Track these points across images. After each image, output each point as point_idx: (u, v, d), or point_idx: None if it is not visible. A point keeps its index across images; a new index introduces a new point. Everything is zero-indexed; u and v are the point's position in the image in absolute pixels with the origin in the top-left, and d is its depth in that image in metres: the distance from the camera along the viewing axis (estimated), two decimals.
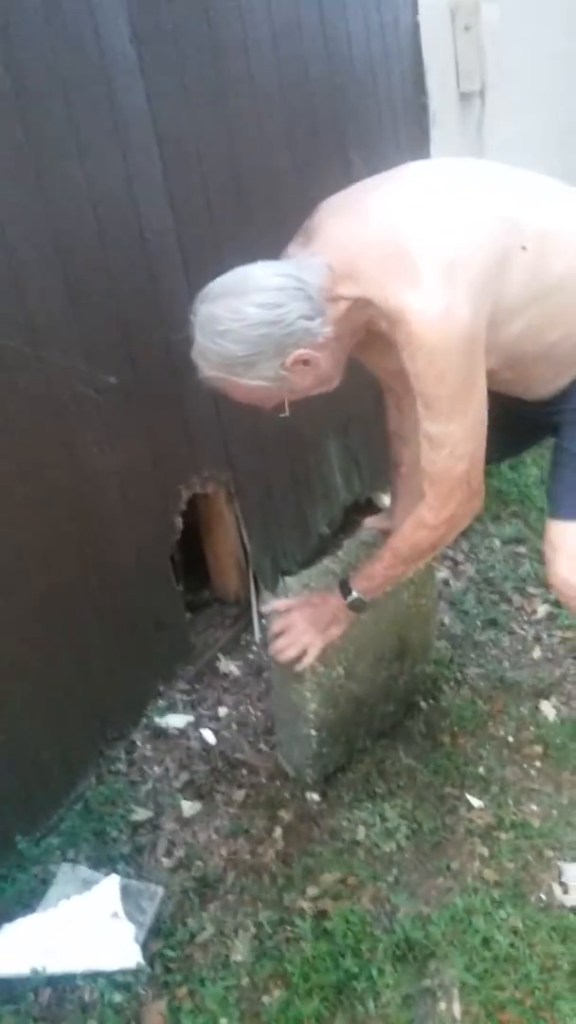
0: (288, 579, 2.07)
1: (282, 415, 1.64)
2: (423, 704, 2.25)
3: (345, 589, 1.85)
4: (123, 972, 1.68)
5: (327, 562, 2.07)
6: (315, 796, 2.04)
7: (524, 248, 1.59)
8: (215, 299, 1.52)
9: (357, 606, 1.84)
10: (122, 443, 2.18)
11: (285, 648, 1.87)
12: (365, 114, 2.97)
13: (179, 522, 2.41)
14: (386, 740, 2.15)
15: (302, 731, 2.01)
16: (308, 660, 1.86)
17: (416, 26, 3.22)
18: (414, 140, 3.33)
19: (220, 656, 2.54)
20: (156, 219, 2.19)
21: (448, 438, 1.59)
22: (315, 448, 2.90)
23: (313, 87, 2.70)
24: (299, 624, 1.87)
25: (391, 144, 3.13)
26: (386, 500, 3.14)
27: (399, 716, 2.21)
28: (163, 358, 2.23)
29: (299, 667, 1.88)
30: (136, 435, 2.22)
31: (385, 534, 2.03)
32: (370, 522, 2.20)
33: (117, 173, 2.08)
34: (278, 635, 1.89)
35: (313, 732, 1.99)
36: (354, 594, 1.83)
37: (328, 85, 2.76)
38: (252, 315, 1.49)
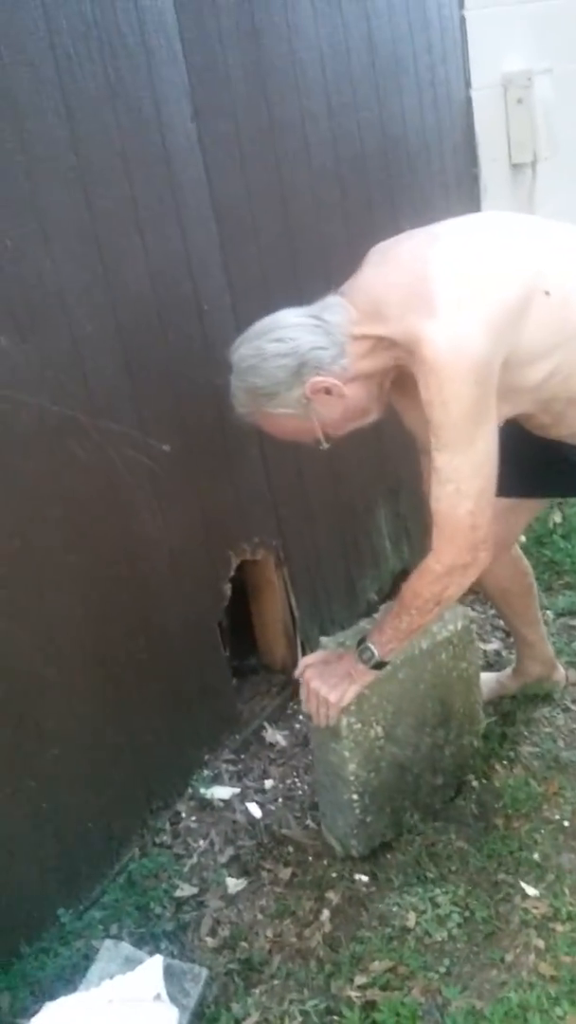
0: (324, 639, 2.07)
1: (322, 447, 1.75)
2: (475, 783, 2.18)
3: (360, 644, 1.83)
4: None
5: (364, 623, 2.06)
6: (363, 878, 1.98)
7: (548, 293, 1.64)
8: (243, 343, 1.70)
9: (367, 658, 1.81)
10: (173, 510, 2.18)
11: (308, 707, 1.88)
12: (418, 187, 3.02)
13: (227, 588, 2.40)
14: (437, 821, 2.09)
15: (343, 796, 1.96)
16: (332, 715, 1.85)
17: (469, 100, 3.28)
18: (466, 211, 3.35)
19: (267, 725, 2.50)
20: (213, 292, 2.23)
21: (454, 472, 1.61)
22: (364, 514, 2.88)
23: (367, 161, 2.75)
24: (313, 681, 1.87)
25: (443, 215, 3.15)
26: None
27: (449, 793, 2.15)
28: (215, 427, 2.25)
29: (323, 723, 1.87)
30: (187, 502, 2.23)
31: None
32: None
33: (175, 247, 2.13)
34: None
35: (355, 797, 1.95)
36: (367, 644, 1.81)
37: (382, 159, 2.81)
38: (269, 349, 1.65)
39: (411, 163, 2.95)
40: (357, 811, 1.96)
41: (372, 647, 1.81)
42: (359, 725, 1.91)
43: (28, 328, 1.80)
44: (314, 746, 2.08)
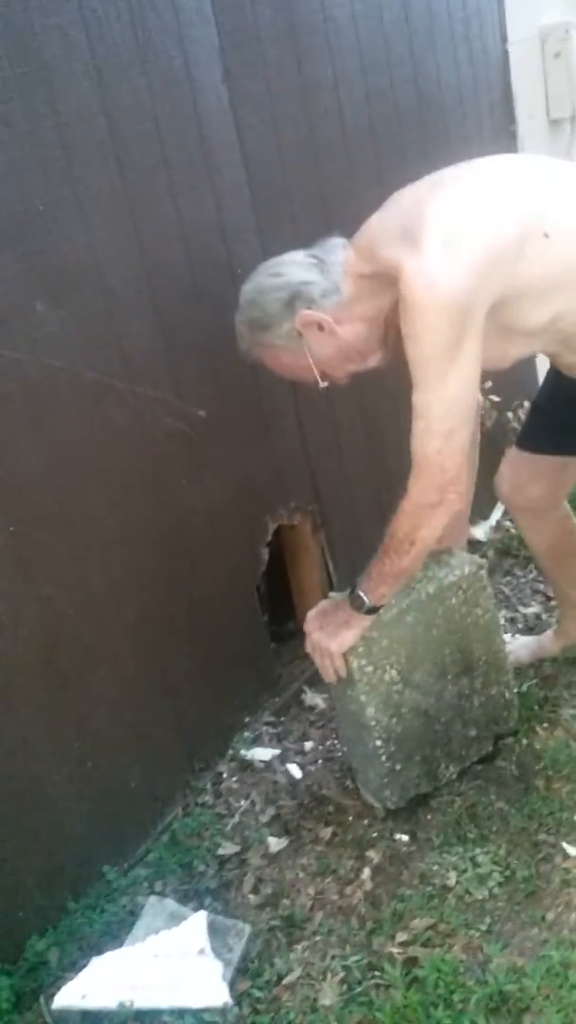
0: (332, 593, 2.10)
1: (320, 387, 1.80)
2: (515, 745, 2.18)
3: (352, 592, 1.86)
4: (210, 1010, 1.66)
5: None
6: (403, 837, 1.99)
7: (547, 236, 1.62)
8: (247, 281, 1.79)
9: (359, 604, 1.83)
10: (210, 475, 2.19)
11: (315, 660, 1.92)
12: (454, 144, 2.96)
13: (265, 553, 2.41)
14: (477, 781, 2.09)
15: (368, 745, 1.98)
16: (337, 664, 1.88)
17: (505, 55, 3.20)
18: None
19: (306, 688, 2.52)
20: (246, 254, 2.21)
21: (424, 410, 1.62)
22: (401, 479, 2.86)
23: (402, 120, 2.70)
24: (313, 633, 1.91)
25: None
26: (476, 532, 3.09)
27: (485, 747, 2.15)
28: (251, 392, 2.25)
29: (331, 675, 1.91)
30: (224, 467, 2.24)
31: None
32: None
33: (208, 210, 2.12)
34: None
35: (379, 744, 1.97)
36: (357, 592, 1.83)
37: (417, 117, 2.76)
38: (265, 284, 1.74)
39: (446, 121, 2.90)
40: (384, 758, 1.98)
41: (361, 593, 1.83)
42: (371, 668, 1.93)
43: (63, 294, 1.80)
44: (336, 703, 2.11)
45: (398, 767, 2.01)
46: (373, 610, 1.85)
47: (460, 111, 2.98)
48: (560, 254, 1.64)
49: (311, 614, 1.97)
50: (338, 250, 1.73)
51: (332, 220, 2.44)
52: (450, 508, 1.71)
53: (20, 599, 1.79)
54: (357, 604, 1.84)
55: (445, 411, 1.61)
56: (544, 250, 1.63)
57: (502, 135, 3.25)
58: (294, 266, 1.74)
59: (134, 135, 1.91)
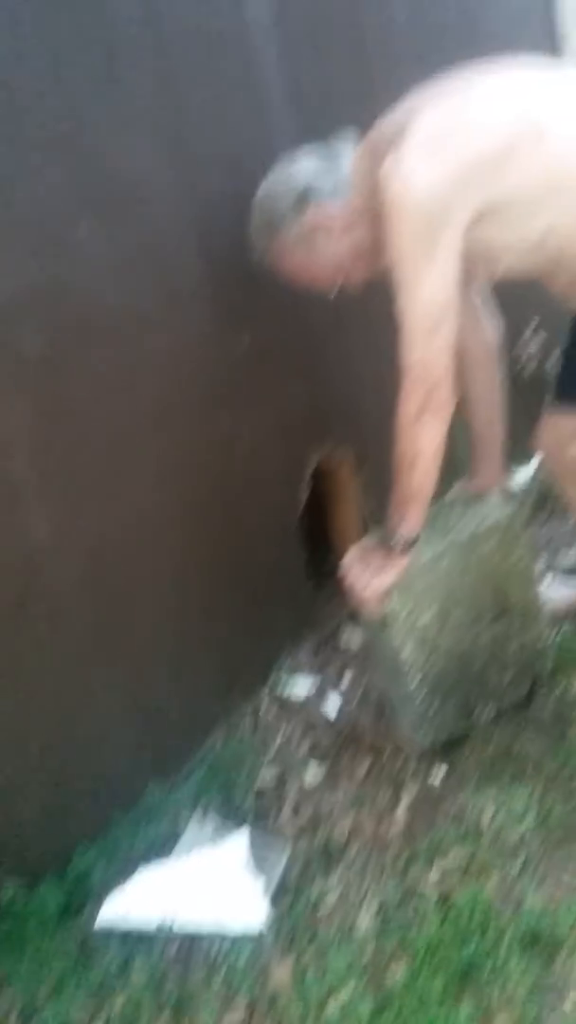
0: (371, 532, 2.09)
1: (334, 293, 1.83)
2: (551, 692, 2.21)
3: (386, 533, 1.86)
4: (250, 929, 1.72)
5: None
6: (439, 776, 2.03)
7: (541, 141, 1.60)
8: (260, 187, 1.79)
9: (392, 540, 1.83)
10: (253, 408, 2.19)
11: (353, 598, 1.93)
12: (497, 40, 2.87)
13: (306, 490, 2.41)
14: (512, 725, 2.12)
15: (404, 686, 2.01)
16: (375, 603, 1.90)
17: None
18: None
19: (344, 626, 2.54)
20: None
21: (402, 316, 1.62)
22: None
23: (447, 35, 2.62)
24: (352, 574, 1.92)
25: None
26: (515, 478, 3.08)
27: (521, 691, 2.18)
28: (295, 324, 2.23)
29: (367, 608, 1.93)
30: (266, 401, 2.23)
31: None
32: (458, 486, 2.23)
33: (254, 131, 2.08)
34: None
35: (415, 685, 1.99)
36: (389, 529, 1.84)
37: (464, 32, 2.68)
38: (273, 186, 1.76)
39: (492, 34, 2.79)
40: (419, 700, 2.01)
41: (392, 530, 1.84)
42: (407, 611, 1.94)
43: (106, 217, 1.78)
44: (373, 644, 2.13)
45: (433, 708, 2.04)
46: (409, 545, 1.85)
47: (506, 24, 2.90)
48: (553, 159, 1.61)
49: (350, 555, 1.97)
50: (348, 145, 1.74)
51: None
52: (439, 413, 1.70)
53: (67, 524, 1.80)
54: (392, 541, 1.85)
55: (421, 315, 1.61)
56: (535, 156, 1.60)
57: (547, 49, 3.15)
58: (303, 165, 1.75)
59: (180, 50, 1.88)
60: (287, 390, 2.27)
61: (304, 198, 1.71)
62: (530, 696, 2.19)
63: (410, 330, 1.63)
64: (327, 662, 2.44)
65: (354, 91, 2.30)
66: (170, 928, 1.73)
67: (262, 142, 2.08)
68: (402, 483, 1.79)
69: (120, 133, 1.78)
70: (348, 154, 1.73)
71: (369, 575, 1.89)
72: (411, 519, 1.83)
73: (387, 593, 1.90)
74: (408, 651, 1.97)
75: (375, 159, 1.65)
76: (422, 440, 1.72)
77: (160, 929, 1.74)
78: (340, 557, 2.73)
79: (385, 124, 1.71)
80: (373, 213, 1.69)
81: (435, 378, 1.66)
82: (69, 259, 1.72)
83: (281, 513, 2.36)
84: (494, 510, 2.06)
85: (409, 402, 1.69)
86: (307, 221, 1.72)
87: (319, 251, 1.76)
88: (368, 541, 2.00)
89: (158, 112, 1.84)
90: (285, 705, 2.29)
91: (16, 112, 1.61)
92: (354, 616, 2.58)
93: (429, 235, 1.56)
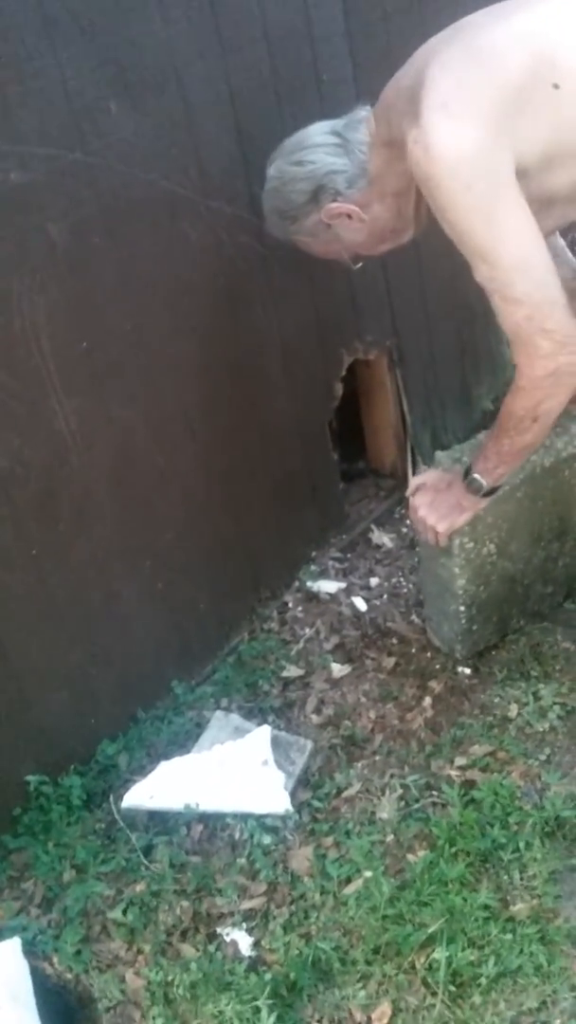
0: (439, 453, 2.00)
1: (354, 268, 1.74)
2: None
3: (467, 473, 1.74)
4: (272, 816, 1.74)
5: (482, 436, 1.98)
6: (466, 670, 2.01)
7: (556, 86, 1.43)
8: (272, 162, 1.67)
9: (477, 488, 1.72)
10: (286, 302, 2.12)
11: (418, 533, 1.85)
12: None
13: (339, 388, 2.35)
14: (544, 623, 2.08)
15: (451, 607, 1.97)
16: (443, 541, 1.82)
17: None
18: None
19: (373, 527, 2.51)
20: (334, 60, 2.05)
21: (491, 283, 1.48)
22: (485, 317, 2.73)
23: None
24: (421, 510, 1.82)
25: None
26: None
27: (558, 598, 2.14)
28: None
29: (430, 541, 1.84)
30: (300, 294, 2.15)
31: None
32: None
33: (295, 8, 1.95)
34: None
35: (462, 609, 1.95)
36: (473, 475, 1.72)
37: None
38: (289, 172, 1.63)
39: None
40: (463, 621, 1.97)
41: (479, 477, 1.71)
42: (471, 544, 1.88)
43: (139, 94, 1.70)
44: (423, 557, 2.07)
45: (475, 627, 2.00)
46: (492, 492, 1.75)
47: None
48: (571, 108, 1.45)
49: (418, 487, 1.88)
50: (362, 126, 1.60)
51: (428, 26, 2.24)
52: (570, 371, 1.52)
53: (93, 417, 1.77)
54: (475, 487, 1.73)
55: (511, 276, 1.45)
56: (554, 102, 1.44)
57: None
58: (319, 151, 1.61)
59: None
60: (323, 283, 2.19)
61: (319, 193, 1.61)
62: (563, 601, 2.14)
63: (505, 296, 1.46)
64: (356, 561, 2.41)
65: None
66: (194, 812, 1.76)
67: (304, 24, 1.96)
68: (511, 440, 1.63)
69: (155, 11, 1.68)
70: (362, 133, 1.60)
71: (441, 515, 1.80)
72: (503, 471, 1.70)
73: (457, 531, 1.83)
74: (464, 580, 1.92)
75: (390, 127, 1.53)
76: (549, 402, 1.55)
77: (183, 813, 1.76)
78: (373, 457, 2.71)
79: (396, 85, 1.57)
80: (398, 188, 1.59)
81: (559, 334, 1.47)
82: (98, 140, 1.65)
83: (314, 410, 2.30)
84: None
85: (530, 363, 1.51)
86: (324, 213, 1.63)
87: (338, 239, 1.67)
88: (438, 474, 1.89)
89: None
90: (313, 601, 2.27)
91: None
92: (384, 518, 2.55)
93: (482, 197, 1.42)
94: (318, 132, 1.65)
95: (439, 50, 1.49)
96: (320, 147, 1.62)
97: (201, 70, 1.79)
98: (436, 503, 1.81)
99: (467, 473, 1.74)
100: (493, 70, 1.43)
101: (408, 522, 2.55)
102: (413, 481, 1.92)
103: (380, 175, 1.60)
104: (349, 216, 1.63)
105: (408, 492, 1.91)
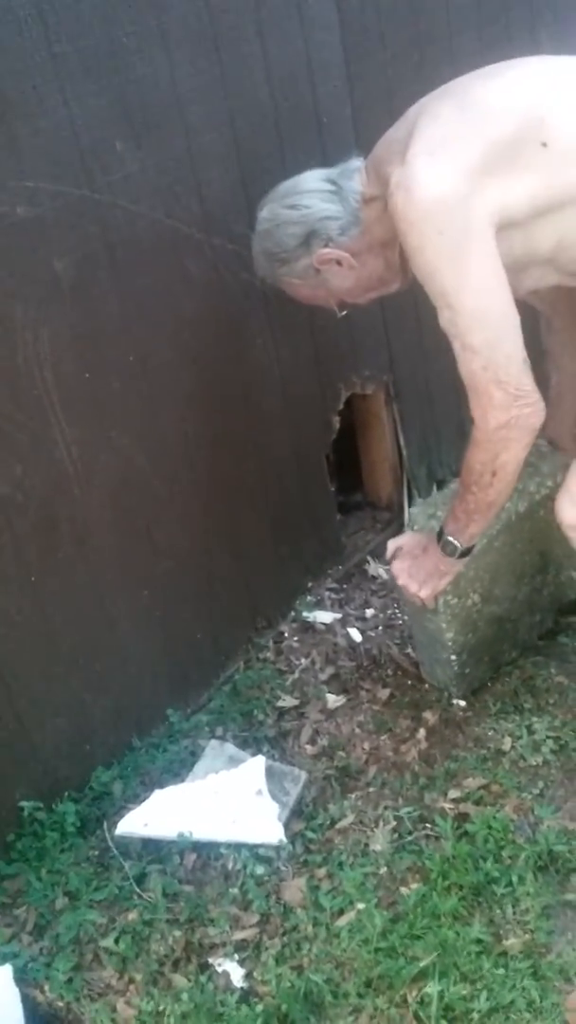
0: (413, 509, 2.03)
1: (339, 315, 1.76)
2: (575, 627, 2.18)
3: (440, 535, 1.74)
4: (265, 847, 1.74)
5: (454, 485, 1.99)
6: (460, 703, 2.02)
7: (544, 145, 1.46)
8: (264, 205, 1.68)
9: (452, 550, 1.72)
10: (285, 337, 2.15)
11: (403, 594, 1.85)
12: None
13: (336, 421, 2.38)
14: (538, 656, 2.10)
15: (442, 656, 1.99)
16: (428, 603, 1.83)
17: None
18: None
19: (370, 559, 2.53)
20: (334, 103, 2.11)
21: (453, 328, 1.50)
22: None
23: None
24: (401, 578, 1.84)
25: None
26: None
27: (547, 624, 2.15)
28: None
29: (415, 602, 1.86)
30: (299, 330, 2.19)
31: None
32: None
33: (297, 52, 2.01)
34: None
35: (453, 657, 1.97)
36: (447, 537, 1.72)
37: None
38: (282, 216, 1.63)
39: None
40: (456, 667, 1.99)
41: (452, 539, 1.72)
42: (455, 600, 1.90)
43: (144, 133, 1.74)
44: (409, 613, 2.07)
45: (467, 670, 2.01)
46: (467, 552, 1.75)
47: None
48: (559, 167, 1.47)
49: (396, 555, 1.88)
50: (356, 175, 1.62)
51: (425, 69, 2.32)
52: (526, 425, 1.52)
53: (95, 446, 1.80)
54: (449, 550, 1.73)
55: (470, 324, 1.47)
56: (542, 160, 1.47)
57: None
58: (314, 197, 1.62)
59: None
60: (322, 319, 2.22)
61: (312, 238, 1.62)
62: (556, 628, 2.16)
63: (464, 344, 1.48)
64: (352, 592, 2.43)
65: (403, 18, 2.21)
66: (187, 841, 1.76)
67: (305, 68, 2.02)
68: (475, 497, 1.63)
69: (160, 48, 1.73)
70: (355, 183, 1.62)
71: (421, 582, 1.81)
72: (474, 529, 1.70)
73: (440, 592, 1.84)
74: (452, 633, 1.93)
75: (379, 180, 1.56)
76: (505, 455, 1.55)
77: (177, 841, 1.76)
78: (369, 490, 2.74)
79: (387, 141, 1.61)
80: (385, 239, 1.62)
81: (512, 387, 1.48)
82: (104, 178, 1.69)
83: (312, 442, 2.33)
84: (550, 473, 1.97)
85: (484, 415, 1.51)
86: (314, 259, 1.64)
87: (326, 285, 1.69)
88: (414, 539, 1.88)
89: (200, 32, 1.78)
90: (308, 631, 2.29)
91: (51, 28, 1.56)
92: (379, 550, 2.56)
93: (453, 242, 1.44)
94: (313, 178, 1.66)
95: (430, 106, 1.54)
96: (315, 192, 1.64)
97: (205, 110, 1.85)
98: (415, 569, 1.82)
99: (440, 535, 1.74)
100: (481, 124, 1.46)
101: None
102: (390, 545, 1.91)
103: (370, 225, 1.62)
104: (339, 263, 1.64)
105: (387, 557, 1.92)
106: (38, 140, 1.59)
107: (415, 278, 1.61)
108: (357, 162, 1.64)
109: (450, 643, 1.94)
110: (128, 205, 1.76)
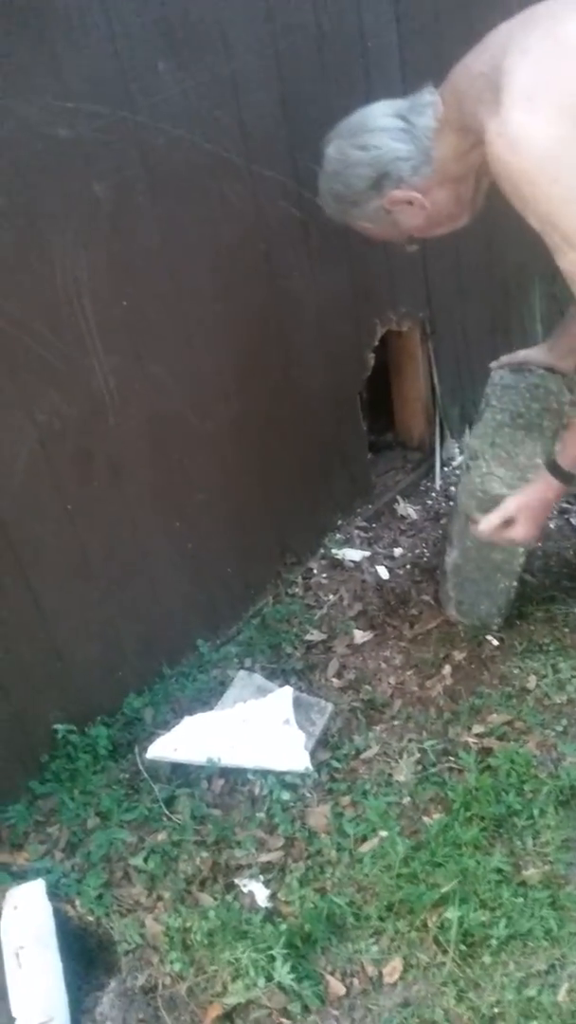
0: (471, 440, 1.98)
1: (410, 249, 1.74)
2: None
3: (555, 469, 1.68)
4: (291, 774, 1.78)
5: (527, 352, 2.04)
6: (488, 640, 2.04)
7: None
8: (331, 141, 1.62)
9: (568, 480, 1.67)
10: (323, 270, 2.12)
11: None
12: None
13: (371, 358, 2.36)
14: (565, 600, 2.10)
15: (499, 585, 1.99)
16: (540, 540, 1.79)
17: None
18: None
19: (399, 499, 2.53)
20: (379, 27, 2.04)
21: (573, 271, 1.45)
22: (518, 294, 2.74)
23: None
24: (530, 528, 1.74)
25: None
26: None
27: None
28: None
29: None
30: (337, 263, 2.16)
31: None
32: (524, 354, 2.14)
33: None
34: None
35: (515, 584, 1.98)
36: (559, 468, 1.67)
37: None
38: (352, 157, 1.58)
39: None
40: (512, 595, 2.00)
41: (572, 470, 1.65)
42: None
43: (185, 55, 1.70)
44: (469, 546, 2.00)
45: (513, 596, 2.02)
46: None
47: None
48: None
49: (514, 508, 1.73)
50: (428, 110, 1.55)
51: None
52: None
53: (130, 375, 1.79)
54: (566, 479, 1.66)
55: None
56: None
57: None
58: (384, 136, 1.56)
59: None
60: (360, 253, 2.20)
61: (383, 180, 1.57)
62: None
63: None
64: (381, 531, 2.43)
65: None
66: (215, 766, 1.80)
67: None
68: None
69: None
70: (428, 118, 1.54)
71: (537, 522, 1.73)
72: None
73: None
74: (523, 559, 1.94)
75: (460, 112, 1.50)
76: None
77: (205, 766, 1.80)
78: (401, 429, 2.72)
79: (467, 71, 1.52)
80: (459, 175, 1.56)
81: None
82: (144, 100, 1.65)
83: (345, 379, 2.31)
84: None
85: None
86: (385, 201, 1.59)
87: (396, 224, 1.65)
88: (526, 488, 1.76)
89: None
90: (337, 568, 2.30)
91: None
92: (409, 489, 2.56)
93: (569, 183, 1.38)
94: (382, 114, 1.59)
95: (517, 38, 1.45)
96: (385, 131, 1.57)
97: (248, 32, 1.79)
98: (538, 513, 1.73)
99: (556, 469, 1.67)
100: (570, 66, 1.40)
101: (434, 494, 2.57)
102: (510, 505, 1.75)
103: (444, 161, 1.56)
104: (410, 203, 1.60)
105: (504, 517, 1.75)
106: (79, 59, 1.55)
107: (481, 212, 1.60)
108: (429, 95, 1.56)
109: (518, 567, 1.95)
110: (169, 128, 1.72)
